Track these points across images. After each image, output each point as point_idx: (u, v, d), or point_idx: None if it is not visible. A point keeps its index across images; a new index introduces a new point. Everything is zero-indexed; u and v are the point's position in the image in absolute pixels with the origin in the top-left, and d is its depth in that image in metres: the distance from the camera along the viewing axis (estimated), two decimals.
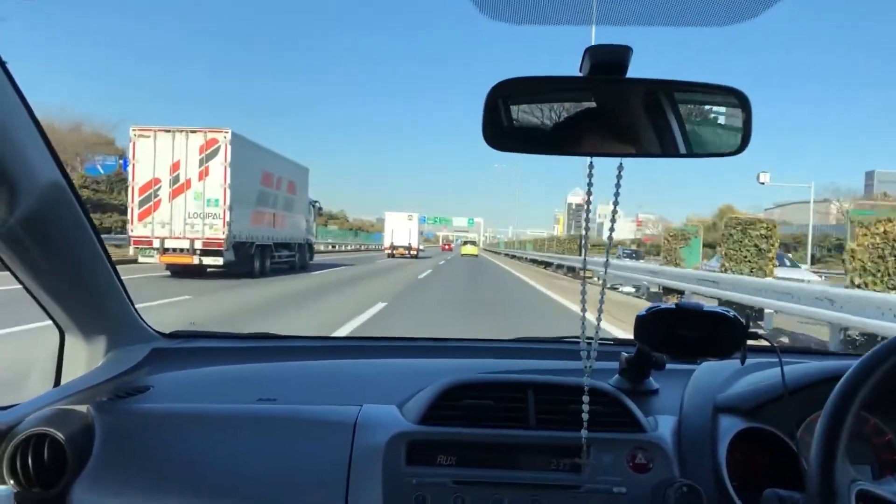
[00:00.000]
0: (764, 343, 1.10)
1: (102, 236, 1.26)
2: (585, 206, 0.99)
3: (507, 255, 56.16)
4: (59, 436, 1.04)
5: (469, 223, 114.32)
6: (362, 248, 63.54)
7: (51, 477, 1.04)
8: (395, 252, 39.71)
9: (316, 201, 23.38)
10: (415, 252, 40.23)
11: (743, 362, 1.07)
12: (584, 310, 0.99)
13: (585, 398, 1.00)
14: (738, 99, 0.89)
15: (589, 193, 0.97)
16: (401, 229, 40.68)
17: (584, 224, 1.02)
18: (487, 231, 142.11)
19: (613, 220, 1.00)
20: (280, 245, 18.43)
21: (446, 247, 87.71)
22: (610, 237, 1.02)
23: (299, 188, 20.50)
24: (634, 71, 0.86)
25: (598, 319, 0.99)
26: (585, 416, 1.00)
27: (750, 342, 1.05)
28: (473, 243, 57.32)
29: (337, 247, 52.27)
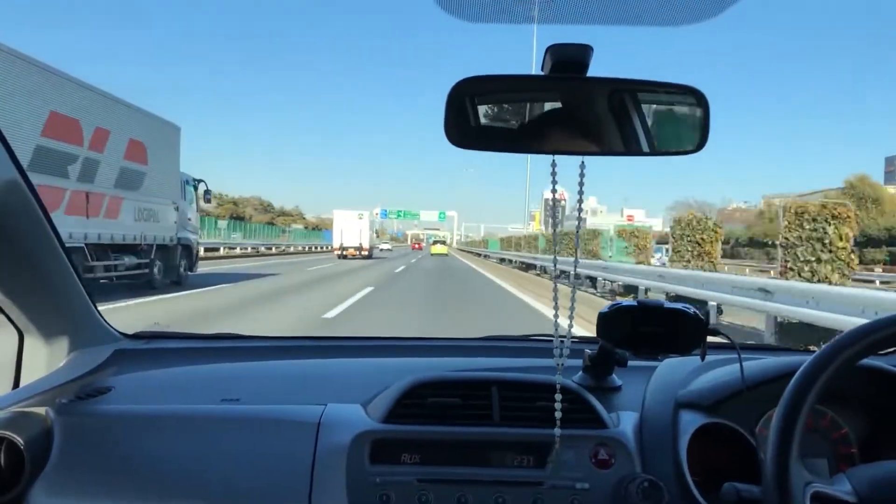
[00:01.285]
0: (724, 339, 1.14)
1: None
2: (552, 204, 1.00)
3: (501, 261, 37.38)
4: (18, 439, 1.02)
5: (440, 217, 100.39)
6: (313, 248, 57.11)
7: (8, 481, 1.02)
8: (345, 253, 36.61)
9: (199, 180, 15.72)
10: (366, 252, 37.15)
11: (703, 358, 1.10)
12: (556, 307, 0.99)
13: (558, 396, 1.01)
14: (696, 98, 0.91)
15: (554, 192, 0.96)
16: (350, 229, 37.25)
17: (552, 220, 1.02)
18: (462, 227, 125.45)
19: (580, 220, 1.02)
20: (112, 249, 11.36)
21: (416, 246, 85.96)
22: (577, 234, 1.04)
23: (156, 155, 12.71)
24: (595, 69, 0.87)
25: (571, 318, 0.99)
26: (559, 414, 1.01)
27: (710, 338, 1.08)
28: (443, 243, 59.49)
29: (274, 249, 46.26)
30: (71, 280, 1.29)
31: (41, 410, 1.10)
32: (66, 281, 1.28)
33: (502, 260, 37.86)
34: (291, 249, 50.28)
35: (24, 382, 1.31)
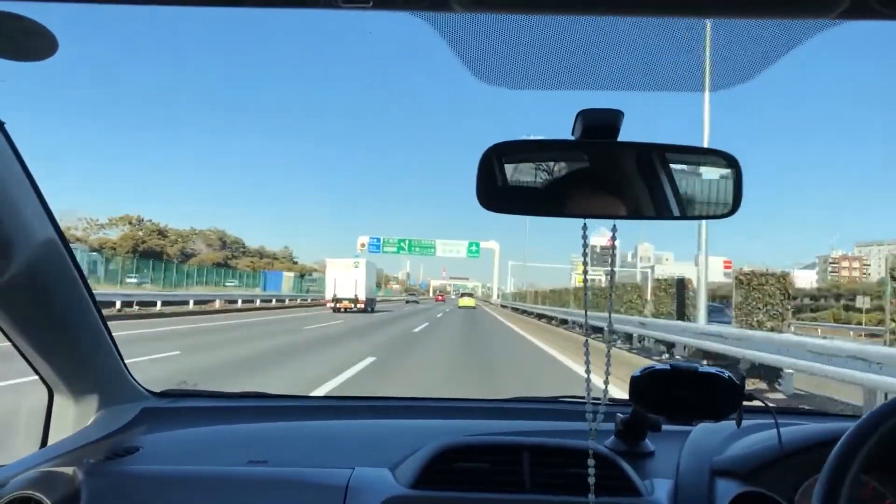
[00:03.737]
0: (759, 404, 1.11)
1: None
2: (583, 268, 0.99)
3: None
4: (45, 500, 1.02)
5: (470, 251, 60.12)
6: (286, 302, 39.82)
7: None
8: (339, 305, 31.93)
9: None
10: (362, 305, 32.21)
11: (739, 424, 1.07)
12: (588, 371, 0.97)
13: (591, 461, 0.99)
14: (727, 161, 0.92)
15: (585, 255, 0.96)
16: (345, 279, 32.66)
17: (583, 276, 1.01)
18: (508, 269, 79.11)
19: (612, 281, 1.00)
20: None
21: (439, 298, 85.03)
22: (611, 291, 1.02)
23: None
24: (626, 134, 0.87)
25: (606, 382, 0.97)
26: (592, 480, 0.98)
27: (745, 403, 1.05)
28: (470, 295, 57.46)
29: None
30: (102, 338, 1.31)
31: (69, 470, 1.10)
32: (98, 339, 1.30)
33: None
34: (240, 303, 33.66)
35: (52, 440, 1.32)
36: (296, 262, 74.51)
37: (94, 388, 1.35)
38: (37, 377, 1.31)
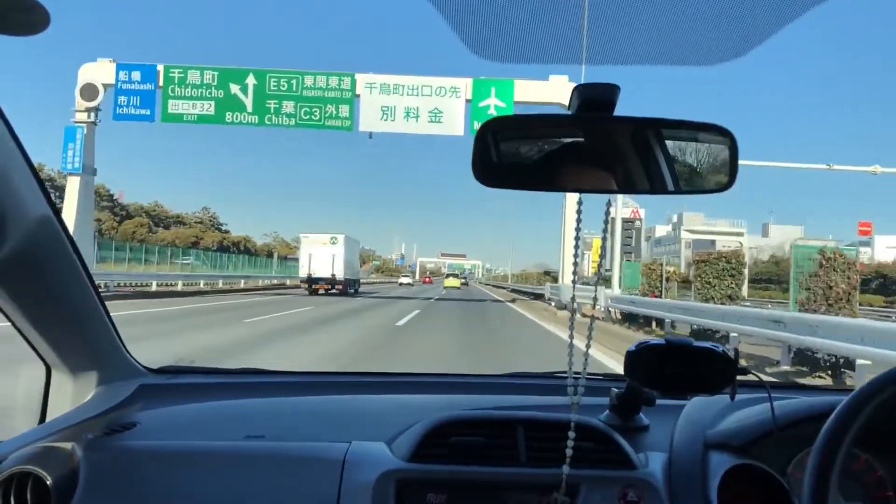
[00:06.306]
0: (753, 378, 1.12)
1: None
2: (574, 241, 1.00)
3: None
4: (44, 474, 1.03)
5: (478, 115, 18.22)
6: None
7: None
8: (314, 286, 28.52)
9: None
10: (340, 286, 28.65)
11: (733, 398, 1.09)
12: (571, 344, 0.99)
13: (571, 434, 1.01)
14: (724, 136, 0.91)
15: (578, 230, 0.98)
16: (321, 256, 28.81)
17: (573, 252, 1.02)
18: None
19: (603, 256, 1.02)
20: None
21: (426, 279, 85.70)
22: (599, 267, 1.04)
23: None
24: (622, 109, 0.88)
25: (586, 354, 0.99)
26: (569, 452, 1.00)
27: (739, 378, 1.07)
28: (456, 276, 56.56)
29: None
30: (98, 315, 1.31)
31: (67, 446, 1.11)
32: (94, 317, 1.30)
33: None
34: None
35: (50, 416, 1.32)
36: (225, 231, 57.26)
37: (91, 365, 1.35)
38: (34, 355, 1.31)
